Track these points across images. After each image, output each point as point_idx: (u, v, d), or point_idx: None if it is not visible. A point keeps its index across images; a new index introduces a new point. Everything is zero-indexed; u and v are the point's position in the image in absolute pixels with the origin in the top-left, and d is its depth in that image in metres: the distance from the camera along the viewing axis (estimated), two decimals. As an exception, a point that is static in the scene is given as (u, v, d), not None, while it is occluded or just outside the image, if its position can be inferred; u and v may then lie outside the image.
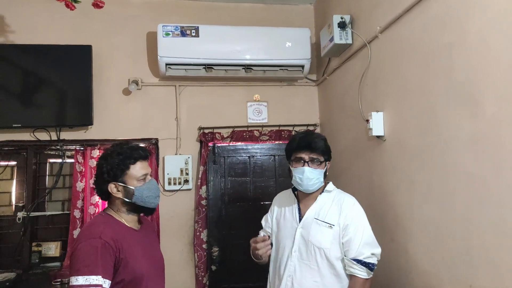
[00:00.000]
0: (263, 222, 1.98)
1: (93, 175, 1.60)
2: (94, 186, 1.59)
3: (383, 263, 2.03)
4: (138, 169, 1.55)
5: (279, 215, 1.88)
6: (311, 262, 1.67)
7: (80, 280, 1.33)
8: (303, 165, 1.71)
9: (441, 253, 1.60)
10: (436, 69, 1.62)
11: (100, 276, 1.34)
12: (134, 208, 1.57)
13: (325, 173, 1.76)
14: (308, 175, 1.69)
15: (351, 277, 1.64)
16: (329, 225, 1.67)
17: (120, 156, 1.52)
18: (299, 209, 1.80)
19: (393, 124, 1.99)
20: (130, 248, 1.48)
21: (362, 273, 1.60)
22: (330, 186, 1.81)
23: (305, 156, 1.71)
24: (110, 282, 1.39)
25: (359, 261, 1.61)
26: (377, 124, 2.05)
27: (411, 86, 1.81)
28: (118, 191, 1.53)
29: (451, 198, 1.53)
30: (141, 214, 1.65)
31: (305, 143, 1.72)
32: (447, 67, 1.55)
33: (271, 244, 1.81)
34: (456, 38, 1.50)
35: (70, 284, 1.34)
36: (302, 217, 1.76)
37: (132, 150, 1.56)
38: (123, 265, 1.43)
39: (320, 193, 1.78)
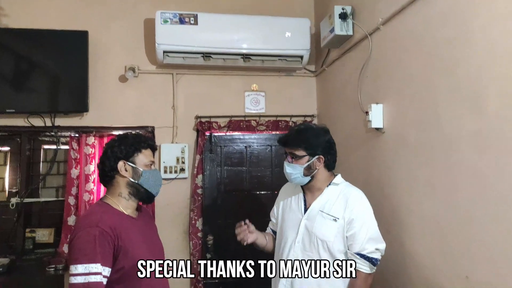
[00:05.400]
0: (271, 213, 2.01)
1: (100, 157, 1.61)
2: (100, 166, 1.58)
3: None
4: (148, 155, 1.61)
5: (285, 205, 1.89)
6: (313, 253, 1.67)
7: (79, 268, 1.33)
8: (285, 159, 1.76)
9: (439, 247, 1.62)
10: (439, 63, 1.62)
11: (99, 264, 1.34)
12: (137, 191, 1.57)
13: (308, 167, 1.70)
14: (286, 169, 1.75)
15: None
16: (334, 218, 1.67)
17: (134, 139, 1.61)
18: (305, 201, 1.80)
19: (392, 116, 2.00)
20: (129, 236, 1.47)
21: (365, 267, 1.61)
22: (338, 179, 1.79)
23: (286, 150, 1.76)
24: (110, 269, 1.38)
25: (362, 256, 1.61)
26: (377, 116, 2.06)
27: (412, 79, 1.82)
28: (126, 170, 1.55)
29: (452, 193, 1.54)
30: (139, 203, 1.64)
31: (284, 138, 1.77)
32: (450, 62, 1.55)
33: (253, 228, 1.84)
34: (460, 33, 1.49)
35: (70, 273, 1.34)
36: (308, 208, 1.76)
37: (145, 137, 1.67)
38: (123, 253, 1.43)
39: (327, 186, 1.76)
